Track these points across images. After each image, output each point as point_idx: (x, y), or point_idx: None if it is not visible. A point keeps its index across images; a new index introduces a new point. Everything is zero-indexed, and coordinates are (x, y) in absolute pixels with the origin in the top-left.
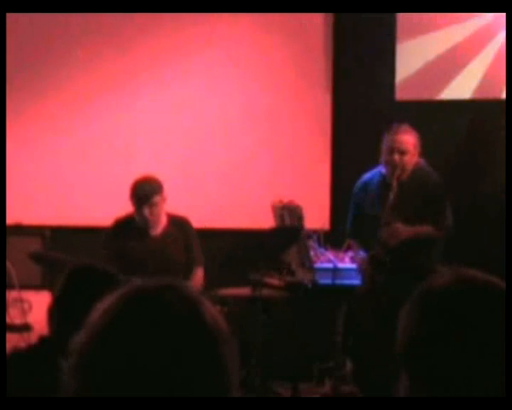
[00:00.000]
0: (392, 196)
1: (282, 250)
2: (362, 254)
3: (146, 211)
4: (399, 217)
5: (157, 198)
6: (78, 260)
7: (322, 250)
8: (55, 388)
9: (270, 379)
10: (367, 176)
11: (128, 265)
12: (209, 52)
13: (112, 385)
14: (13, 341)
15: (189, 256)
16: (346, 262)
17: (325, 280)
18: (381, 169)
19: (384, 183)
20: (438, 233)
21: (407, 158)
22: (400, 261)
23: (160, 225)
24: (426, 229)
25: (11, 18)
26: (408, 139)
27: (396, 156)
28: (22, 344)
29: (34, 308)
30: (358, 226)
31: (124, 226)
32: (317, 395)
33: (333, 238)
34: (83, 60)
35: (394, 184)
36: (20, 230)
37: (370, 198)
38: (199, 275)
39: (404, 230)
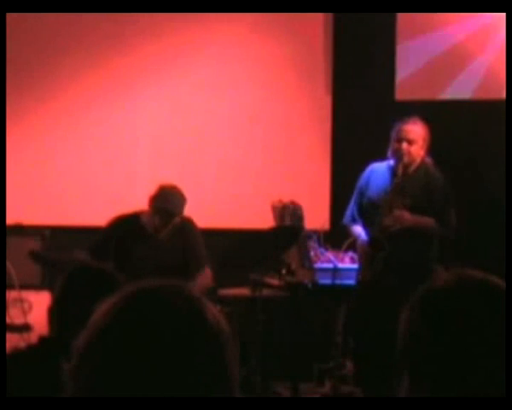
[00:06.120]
0: (396, 182)
1: (282, 250)
2: (363, 236)
3: (159, 222)
4: (402, 205)
5: (177, 219)
6: (77, 261)
7: (322, 250)
8: (56, 388)
9: (270, 379)
10: (376, 164)
11: (127, 265)
12: (208, 53)
13: (114, 385)
14: (13, 341)
15: (190, 258)
16: (346, 262)
17: (325, 280)
18: (390, 161)
19: (391, 173)
20: (439, 229)
21: (415, 148)
22: (399, 248)
23: (166, 229)
24: (428, 221)
25: (11, 18)
26: (417, 130)
27: (404, 145)
28: (22, 344)
29: (34, 308)
30: (358, 213)
31: (127, 225)
32: (317, 395)
33: (333, 238)
34: (83, 61)
35: (400, 171)
36: (20, 230)
37: (375, 185)
38: (206, 275)
39: (408, 217)
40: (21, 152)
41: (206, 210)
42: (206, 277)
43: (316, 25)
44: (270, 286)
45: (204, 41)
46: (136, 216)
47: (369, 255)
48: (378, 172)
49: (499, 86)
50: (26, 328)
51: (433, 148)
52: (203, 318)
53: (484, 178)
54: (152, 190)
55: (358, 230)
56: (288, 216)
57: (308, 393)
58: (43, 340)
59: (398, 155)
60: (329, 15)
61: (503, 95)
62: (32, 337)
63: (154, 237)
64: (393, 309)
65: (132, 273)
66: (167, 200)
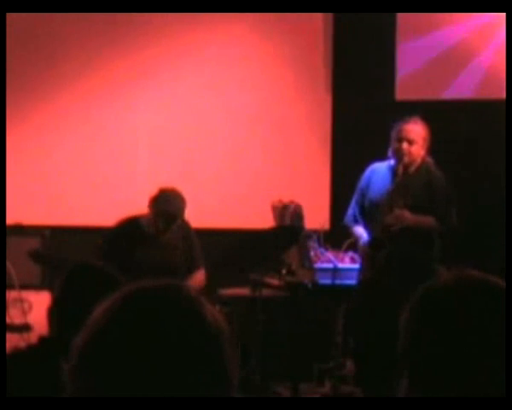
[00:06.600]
0: (397, 182)
1: (282, 250)
2: (364, 238)
3: (161, 225)
4: (403, 205)
5: (179, 221)
6: (77, 260)
7: (322, 250)
8: (56, 388)
9: (270, 379)
10: (376, 164)
11: (129, 267)
12: (208, 53)
13: (113, 385)
14: (13, 341)
15: (191, 258)
16: (346, 262)
17: (325, 280)
18: (391, 161)
19: (391, 173)
20: (440, 228)
21: (415, 148)
22: (400, 247)
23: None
24: (429, 220)
25: (11, 18)
26: (417, 130)
27: (404, 145)
28: (22, 344)
29: (34, 308)
30: (359, 213)
31: (129, 228)
32: (317, 395)
33: (333, 238)
34: (83, 62)
35: (400, 170)
36: (20, 230)
37: (376, 185)
38: (199, 276)
39: (408, 216)
40: (21, 152)
41: (206, 210)
42: (199, 277)
43: (316, 25)
44: (270, 286)
45: (203, 41)
46: (135, 219)
47: (371, 256)
48: (379, 172)
49: (499, 86)
50: (26, 328)
51: (433, 147)
52: (202, 317)
53: (484, 178)
54: (152, 190)
55: (360, 231)
56: (288, 216)
57: (308, 393)
58: (43, 340)
59: (399, 155)
60: (329, 15)
61: (503, 95)
62: (32, 337)
63: (154, 239)
64: (394, 309)
65: (133, 275)
66: (169, 203)
